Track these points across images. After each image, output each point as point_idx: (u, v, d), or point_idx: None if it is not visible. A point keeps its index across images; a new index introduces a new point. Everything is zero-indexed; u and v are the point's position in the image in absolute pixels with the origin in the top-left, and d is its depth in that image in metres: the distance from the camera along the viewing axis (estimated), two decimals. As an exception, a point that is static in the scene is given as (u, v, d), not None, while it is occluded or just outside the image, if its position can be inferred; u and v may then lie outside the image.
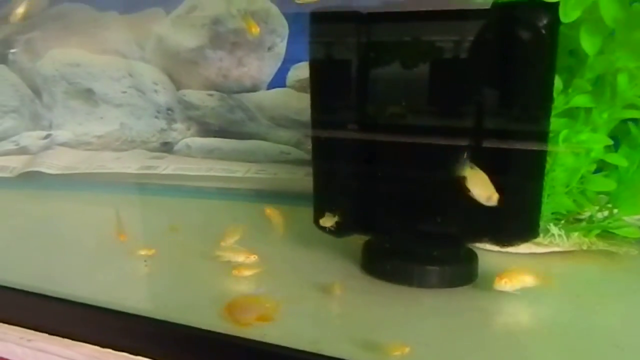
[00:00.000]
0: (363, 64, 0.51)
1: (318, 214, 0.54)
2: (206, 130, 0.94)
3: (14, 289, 0.53)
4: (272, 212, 0.64)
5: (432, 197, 0.50)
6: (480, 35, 0.47)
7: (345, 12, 0.52)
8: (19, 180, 0.89)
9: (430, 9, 0.48)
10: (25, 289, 0.52)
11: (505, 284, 0.47)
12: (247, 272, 0.54)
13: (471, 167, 0.44)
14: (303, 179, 0.83)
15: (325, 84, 0.52)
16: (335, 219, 0.52)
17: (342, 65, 0.52)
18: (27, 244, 0.69)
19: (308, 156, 0.93)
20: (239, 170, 0.85)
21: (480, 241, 0.52)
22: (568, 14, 0.46)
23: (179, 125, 0.95)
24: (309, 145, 0.90)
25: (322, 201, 0.55)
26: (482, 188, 0.44)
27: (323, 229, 0.54)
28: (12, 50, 0.92)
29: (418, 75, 0.50)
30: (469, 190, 0.44)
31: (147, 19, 0.86)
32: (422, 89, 0.49)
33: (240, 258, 0.55)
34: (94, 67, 0.89)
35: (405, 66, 0.50)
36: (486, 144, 0.48)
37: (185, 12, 0.85)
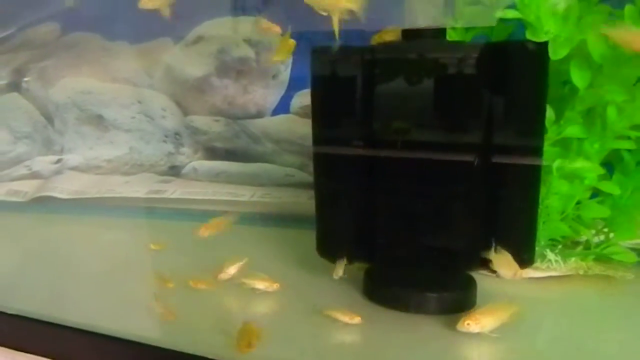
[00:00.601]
0: (361, 98, 0.53)
1: (320, 242, 0.56)
2: (213, 153, 0.97)
3: (24, 317, 0.54)
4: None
5: (431, 226, 0.52)
6: (475, 70, 0.49)
7: (343, 48, 0.55)
8: (31, 204, 0.92)
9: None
10: (33, 316, 0.54)
11: (468, 327, 0.46)
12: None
13: (496, 251, 0.48)
14: (307, 202, 0.85)
15: (326, 118, 0.55)
16: (344, 262, 0.54)
17: (342, 100, 0.54)
18: (37, 269, 0.71)
19: (312, 178, 0.96)
20: (245, 194, 0.88)
21: (478, 269, 0.53)
22: (557, 52, 0.48)
23: (186, 149, 0.98)
24: (311, 168, 0.92)
25: (324, 230, 0.56)
26: (507, 268, 0.48)
27: (325, 256, 0.56)
28: (25, 79, 0.95)
29: (416, 107, 0.52)
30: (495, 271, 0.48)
31: (156, 49, 0.89)
32: (420, 122, 0.51)
33: (263, 285, 0.57)
34: (105, 94, 0.93)
35: (402, 99, 0.52)
36: (480, 174, 0.51)
37: (193, 42, 0.88)
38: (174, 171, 0.99)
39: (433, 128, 0.51)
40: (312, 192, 0.90)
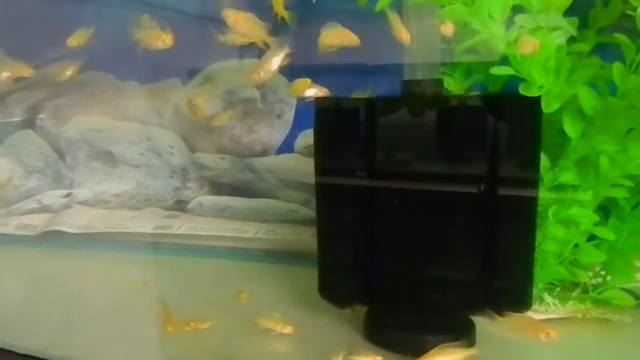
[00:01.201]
0: (363, 147, 0.55)
1: (323, 285, 0.58)
2: (218, 188, 0.99)
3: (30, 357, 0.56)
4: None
5: (430, 272, 0.54)
6: (469, 123, 0.52)
7: (346, 100, 0.57)
8: (40, 238, 0.94)
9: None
10: (38, 355, 0.55)
11: None
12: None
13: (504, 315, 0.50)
14: (309, 239, 0.86)
15: (328, 164, 0.57)
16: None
17: (342, 149, 0.56)
18: (44, 304, 0.72)
19: (314, 214, 0.97)
20: (249, 230, 0.89)
21: (475, 313, 0.55)
22: (549, 105, 0.51)
23: (192, 184, 1.00)
24: (315, 204, 0.94)
25: (326, 273, 0.58)
26: (529, 329, 0.49)
27: (327, 298, 0.57)
28: (40, 116, 0.99)
29: (414, 157, 0.54)
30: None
31: (166, 89, 0.93)
32: (418, 170, 0.54)
33: (277, 327, 0.58)
34: (115, 132, 0.96)
35: (402, 149, 0.55)
36: (478, 221, 0.52)
37: (201, 83, 0.91)
38: (180, 206, 1.01)
39: (431, 177, 0.53)
40: (314, 229, 0.92)
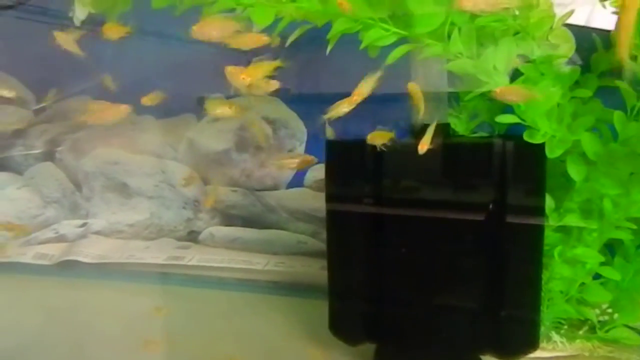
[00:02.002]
0: (372, 189, 0.57)
1: (333, 322, 0.59)
2: (229, 219, 1.01)
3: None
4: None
5: (439, 310, 0.55)
6: (473, 166, 0.54)
7: (356, 141, 0.59)
8: (57, 268, 0.96)
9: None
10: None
11: None
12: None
13: None
14: (319, 272, 0.88)
15: (340, 210, 0.59)
16: None
17: (351, 187, 0.58)
18: (57, 334, 0.74)
19: (323, 246, 0.99)
20: (260, 262, 0.91)
21: (483, 354, 0.55)
22: (553, 151, 0.52)
23: (204, 215, 1.03)
24: (323, 235, 0.96)
25: (337, 310, 0.59)
26: None
27: (338, 335, 0.58)
28: (59, 149, 1.02)
29: (422, 198, 0.56)
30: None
31: (180, 124, 0.96)
32: (426, 212, 0.55)
33: None
34: (131, 165, 0.99)
35: (411, 188, 0.57)
36: (485, 261, 0.54)
37: (214, 119, 0.94)
38: (192, 236, 1.03)
39: (438, 219, 0.54)
40: (323, 262, 0.93)
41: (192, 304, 0.85)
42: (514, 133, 0.59)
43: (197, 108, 1.00)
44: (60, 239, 1.03)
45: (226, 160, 0.93)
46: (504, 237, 0.53)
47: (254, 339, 0.70)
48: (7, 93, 0.77)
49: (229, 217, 1.01)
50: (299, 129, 0.91)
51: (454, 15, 0.45)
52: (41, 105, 1.17)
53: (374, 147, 0.58)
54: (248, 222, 0.99)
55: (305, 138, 0.91)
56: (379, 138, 0.54)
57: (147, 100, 0.71)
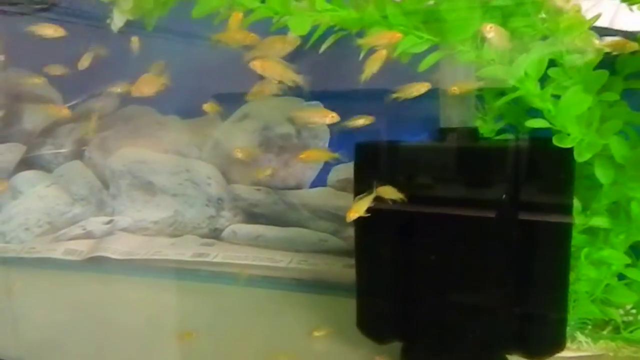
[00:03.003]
0: (400, 189, 0.58)
1: (362, 319, 0.60)
2: (251, 217, 1.03)
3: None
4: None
5: (467, 309, 0.56)
6: (501, 168, 0.54)
7: (384, 143, 0.61)
8: (85, 263, 0.99)
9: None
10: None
11: None
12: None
13: None
14: (341, 270, 0.89)
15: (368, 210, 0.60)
16: None
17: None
18: (85, 329, 0.77)
19: (345, 244, 1.00)
20: (283, 260, 0.93)
21: (510, 353, 0.56)
22: (581, 155, 0.53)
23: (226, 213, 1.04)
24: (344, 233, 0.97)
25: (365, 309, 0.61)
26: None
27: (366, 333, 0.60)
28: (87, 148, 1.05)
29: (449, 200, 0.57)
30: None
31: (205, 124, 0.98)
32: (453, 212, 0.56)
33: None
34: (157, 163, 1.01)
35: (439, 193, 0.57)
36: (514, 262, 0.54)
37: (239, 119, 0.96)
38: (215, 233, 1.05)
39: (467, 219, 0.55)
40: (346, 260, 0.95)
41: (218, 300, 0.87)
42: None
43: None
44: (88, 235, 1.06)
45: (251, 160, 0.95)
46: (533, 237, 0.54)
47: (282, 335, 0.71)
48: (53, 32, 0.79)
49: (251, 215, 1.03)
50: (322, 129, 0.92)
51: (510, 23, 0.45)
52: (68, 104, 1.19)
53: (402, 148, 0.60)
54: (270, 220, 1.01)
55: (328, 138, 0.92)
56: None
57: (208, 108, 0.73)
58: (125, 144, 1.01)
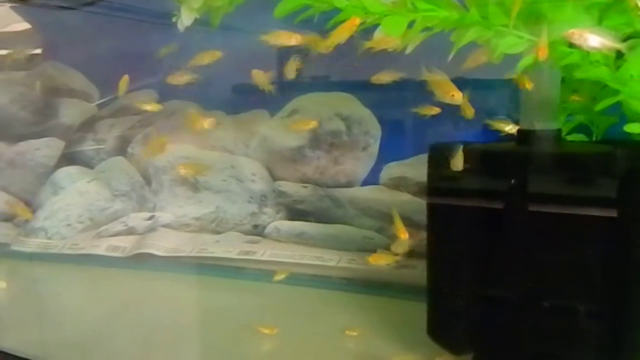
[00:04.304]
0: (477, 192, 0.56)
1: (433, 326, 0.59)
2: (293, 214, 1.02)
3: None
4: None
5: (551, 325, 0.54)
6: (590, 172, 0.52)
7: (460, 144, 0.59)
8: (129, 260, 0.98)
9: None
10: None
11: None
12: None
13: None
14: (393, 270, 0.88)
15: (443, 207, 0.58)
16: None
17: (460, 189, 0.58)
18: (128, 327, 0.76)
19: (391, 242, 0.99)
20: (332, 259, 0.91)
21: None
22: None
23: (269, 210, 1.03)
24: (390, 231, 0.96)
25: (438, 316, 0.59)
26: None
27: (439, 341, 0.58)
28: (131, 144, 1.04)
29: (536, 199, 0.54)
30: None
31: (252, 120, 0.96)
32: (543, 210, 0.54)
33: None
34: (202, 160, 1.00)
35: (517, 194, 0.56)
36: (610, 269, 0.52)
37: (288, 115, 0.94)
38: (257, 230, 1.04)
39: (559, 217, 0.52)
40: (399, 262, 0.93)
41: (268, 300, 0.86)
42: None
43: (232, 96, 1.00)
44: (130, 231, 1.05)
45: (299, 157, 0.93)
46: (624, 241, 0.52)
47: (342, 337, 0.70)
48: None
49: (294, 212, 1.02)
50: (374, 126, 0.90)
51: (607, 20, 0.43)
52: (104, 99, 1.18)
53: (478, 149, 0.58)
54: (312, 216, 1.00)
55: (379, 135, 0.90)
56: None
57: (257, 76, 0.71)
58: (170, 140, 0.99)
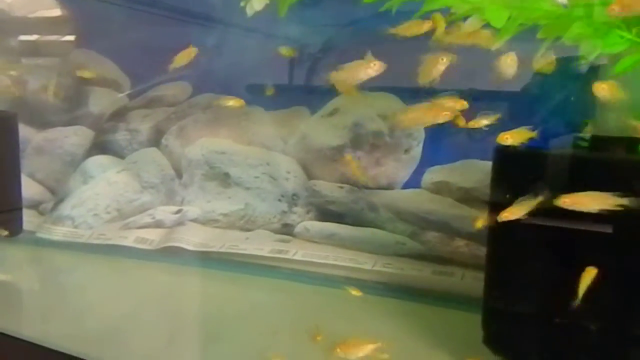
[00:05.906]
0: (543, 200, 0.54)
1: (492, 336, 0.57)
2: (324, 215, 1.00)
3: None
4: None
5: (614, 338, 0.52)
6: None
7: (528, 148, 0.57)
8: (158, 253, 0.96)
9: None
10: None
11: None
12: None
13: None
14: (431, 277, 0.86)
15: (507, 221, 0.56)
16: None
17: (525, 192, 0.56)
18: (157, 319, 0.75)
19: (423, 248, 0.97)
20: (367, 262, 0.89)
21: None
22: None
23: (298, 209, 1.01)
24: (423, 237, 0.94)
25: (498, 326, 0.57)
26: None
27: (499, 352, 0.56)
28: (165, 136, 1.02)
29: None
30: None
31: (292, 117, 0.94)
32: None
33: None
34: (237, 155, 0.98)
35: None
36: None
37: (329, 113, 0.93)
38: (286, 229, 1.02)
39: (616, 237, 0.51)
40: (435, 266, 0.91)
41: (303, 300, 0.84)
42: None
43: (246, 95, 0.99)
44: (158, 224, 1.03)
45: (339, 157, 0.92)
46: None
47: (391, 343, 0.68)
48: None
49: (324, 213, 1.00)
50: (416, 128, 0.88)
51: None
52: (134, 89, 1.17)
53: (547, 155, 0.56)
54: (342, 217, 0.98)
55: (422, 137, 0.89)
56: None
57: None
58: (206, 134, 0.98)
